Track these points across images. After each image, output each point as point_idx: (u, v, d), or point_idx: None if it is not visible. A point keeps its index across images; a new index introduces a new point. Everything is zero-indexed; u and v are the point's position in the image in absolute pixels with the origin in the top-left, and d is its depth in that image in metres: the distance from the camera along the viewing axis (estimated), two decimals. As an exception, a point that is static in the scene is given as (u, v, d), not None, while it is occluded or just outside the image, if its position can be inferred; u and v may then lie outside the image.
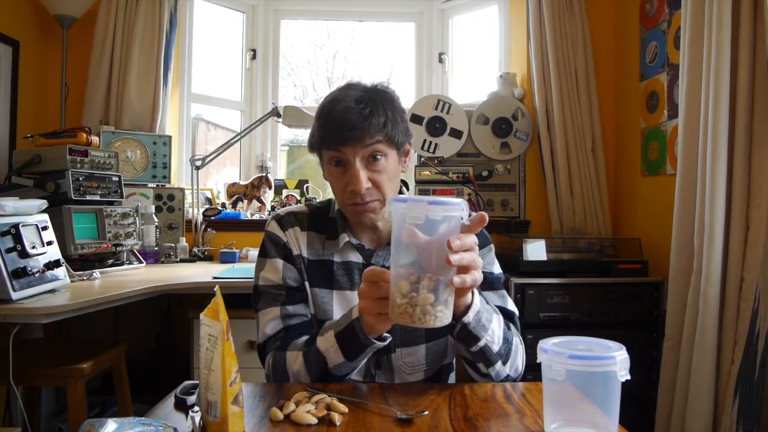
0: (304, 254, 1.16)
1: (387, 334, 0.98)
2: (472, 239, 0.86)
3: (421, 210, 0.81)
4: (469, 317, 0.95)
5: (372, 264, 1.14)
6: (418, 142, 2.84)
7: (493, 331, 1.00)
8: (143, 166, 2.68)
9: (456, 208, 0.82)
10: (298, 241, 1.16)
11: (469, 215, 0.85)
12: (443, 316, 0.85)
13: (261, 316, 1.13)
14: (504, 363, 1.03)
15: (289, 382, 1.04)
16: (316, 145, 1.12)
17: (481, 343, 0.98)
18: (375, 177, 1.07)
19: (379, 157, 1.07)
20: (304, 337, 1.07)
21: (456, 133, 2.86)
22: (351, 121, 1.04)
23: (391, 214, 0.85)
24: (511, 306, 1.15)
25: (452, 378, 1.24)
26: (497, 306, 1.10)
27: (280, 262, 1.15)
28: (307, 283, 1.14)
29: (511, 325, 1.11)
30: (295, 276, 1.15)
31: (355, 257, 1.15)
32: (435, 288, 0.83)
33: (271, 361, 1.07)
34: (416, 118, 2.85)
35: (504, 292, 1.16)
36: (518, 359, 1.08)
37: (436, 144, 2.85)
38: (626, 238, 2.64)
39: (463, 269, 0.85)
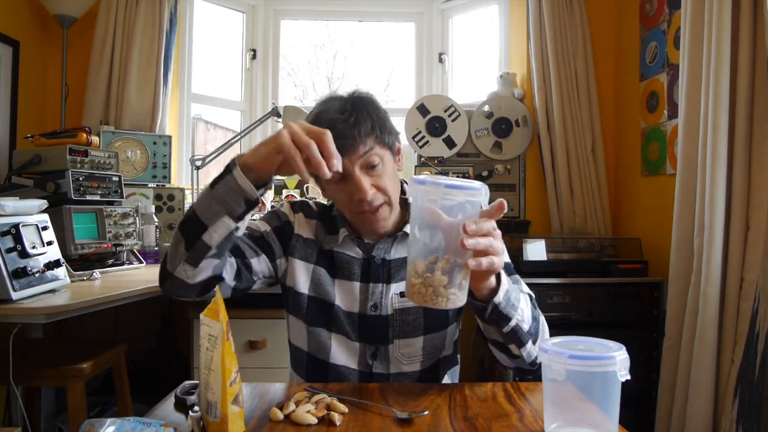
0: (313, 238, 1.18)
1: (256, 194, 0.94)
2: (489, 225, 0.85)
3: (438, 193, 0.82)
4: (499, 297, 0.95)
5: (373, 256, 1.15)
6: (410, 131, 2.85)
7: (523, 310, 1.00)
8: (143, 166, 2.68)
9: (474, 193, 0.82)
10: (304, 226, 1.19)
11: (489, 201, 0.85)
12: (456, 299, 0.85)
13: None
14: (534, 342, 1.03)
15: (168, 260, 1.02)
16: None
17: (513, 323, 0.98)
18: (377, 182, 1.08)
19: (376, 162, 1.08)
20: None
21: (450, 143, 2.86)
22: (339, 132, 1.03)
23: (411, 195, 0.85)
24: (527, 289, 1.13)
25: (456, 374, 1.24)
26: None
27: (267, 227, 1.17)
28: (297, 261, 1.16)
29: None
30: (276, 245, 1.16)
31: (355, 252, 1.17)
32: (450, 270, 0.83)
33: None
34: (423, 110, 2.85)
35: (517, 276, 1.15)
36: (546, 338, 1.07)
37: (427, 141, 2.85)
38: (626, 238, 2.64)
39: (480, 253, 0.85)
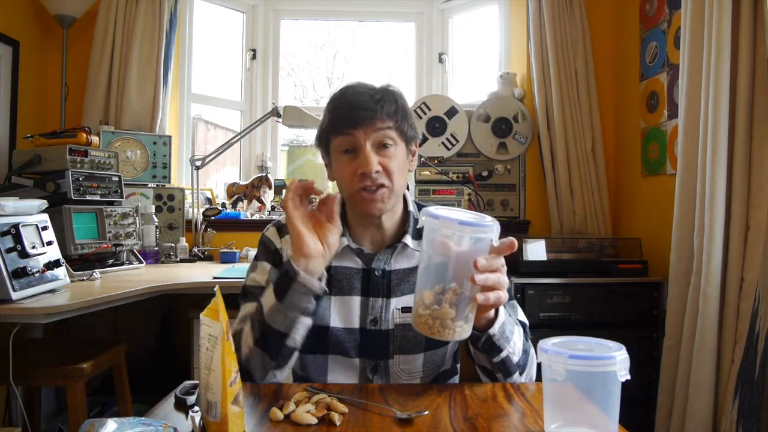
0: None
1: (323, 286, 1.00)
2: (498, 261, 0.88)
3: (452, 229, 0.84)
4: (494, 329, 0.97)
5: (373, 267, 1.13)
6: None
7: (515, 343, 1.02)
8: (143, 166, 2.68)
9: (486, 230, 0.84)
10: None
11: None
12: (462, 332, 0.87)
13: (241, 310, 1.14)
14: (521, 373, 1.05)
15: (242, 357, 1.02)
16: (325, 132, 1.12)
17: (503, 355, 1.00)
18: (385, 162, 1.07)
19: (389, 144, 1.08)
20: None
21: (450, 142, 2.86)
22: (363, 103, 1.06)
23: (423, 227, 0.87)
24: (522, 316, 1.15)
25: (455, 382, 1.23)
26: None
27: (267, 266, 1.15)
28: None
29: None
30: None
31: (354, 262, 1.14)
32: (457, 302, 0.85)
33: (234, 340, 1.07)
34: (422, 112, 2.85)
35: (514, 302, 1.16)
36: (533, 369, 1.09)
37: (426, 139, 2.84)
38: (626, 238, 2.64)
39: (488, 288, 0.87)
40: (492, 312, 0.97)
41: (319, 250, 1.00)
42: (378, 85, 1.13)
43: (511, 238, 0.88)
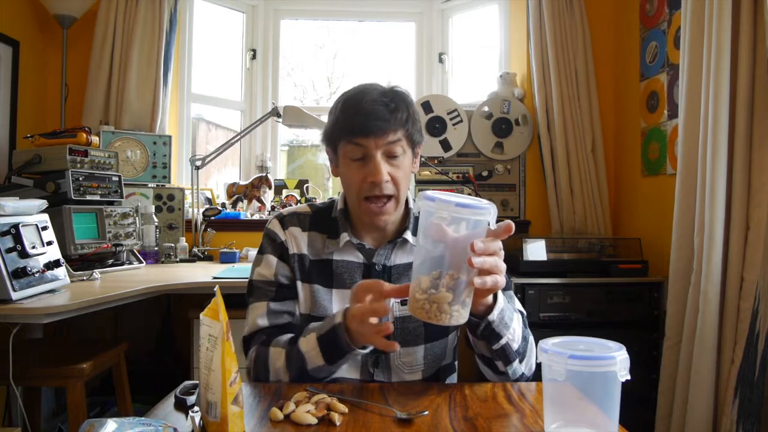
0: (306, 253, 1.17)
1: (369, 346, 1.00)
2: (496, 245, 0.87)
3: (448, 211, 0.83)
4: (493, 315, 0.97)
5: (374, 262, 1.15)
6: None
7: (514, 330, 1.02)
8: (143, 166, 2.68)
9: (483, 212, 0.84)
10: (298, 241, 1.17)
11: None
12: (459, 316, 0.86)
13: (251, 309, 1.15)
14: (521, 361, 1.05)
15: (269, 378, 1.05)
16: (335, 135, 1.12)
17: (503, 341, 1.00)
18: (393, 172, 1.09)
19: (398, 153, 1.09)
20: (288, 335, 1.09)
21: (446, 145, 2.85)
22: (378, 113, 1.06)
23: (420, 209, 0.87)
24: (519, 306, 1.15)
25: (454, 379, 1.24)
26: None
27: (274, 260, 1.16)
28: (299, 282, 1.15)
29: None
30: (287, 274, 1.16)
31: (355, 257, 1.16)
32: (455, 287, 0.84)
33: (254, 355, 1.09)
34: (427, 107, 2.85)
35: (511, 293, 1.17)
36: (533, 357, 1.09)
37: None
38: (626, 238, 2.64)
39: (485, 272, 0.87)
40: (490, 298, 0.96)
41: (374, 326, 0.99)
42: (387, 86, 1.13)
43: (509, 221, 0.88)
